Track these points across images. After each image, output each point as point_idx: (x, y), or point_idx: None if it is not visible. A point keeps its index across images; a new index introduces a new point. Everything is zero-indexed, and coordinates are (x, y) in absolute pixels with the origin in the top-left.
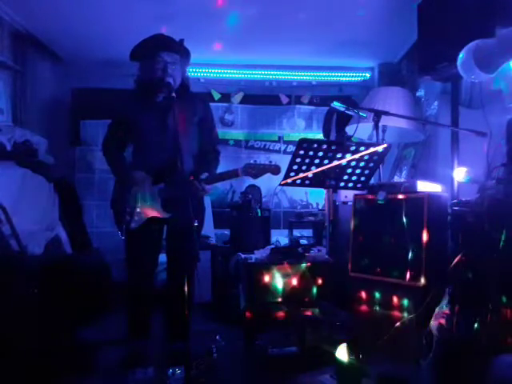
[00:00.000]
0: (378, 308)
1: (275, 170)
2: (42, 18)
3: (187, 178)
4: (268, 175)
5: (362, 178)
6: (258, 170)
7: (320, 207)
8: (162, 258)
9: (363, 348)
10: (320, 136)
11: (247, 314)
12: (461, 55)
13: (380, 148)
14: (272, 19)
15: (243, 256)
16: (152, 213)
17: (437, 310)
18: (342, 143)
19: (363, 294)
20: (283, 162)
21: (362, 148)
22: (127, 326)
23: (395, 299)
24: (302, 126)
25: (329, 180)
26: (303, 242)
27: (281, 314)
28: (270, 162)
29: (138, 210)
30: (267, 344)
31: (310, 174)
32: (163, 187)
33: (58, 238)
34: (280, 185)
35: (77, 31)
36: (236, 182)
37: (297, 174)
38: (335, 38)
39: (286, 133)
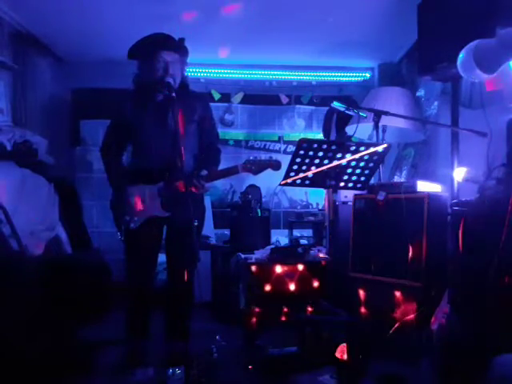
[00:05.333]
0: (377, 308)
1: (276, 165)
2: (42, 17)
3: (186, 177)
4: (268, 175)
5: (362, 178)
6: (258, 166)
7: (320, 207)
8: (163, 258)
9: (363, 348)
10: (320, 136)
11: (247, 314)
12: (461, 55)
13: (380, 148)
14: (272, 19)
15: (243, 256)
16: (152, 212)
17: (437, 310)
18: (342, 143)
19: (363, 294)
20: (283, 162)
21: (362, 148)
22: (126, 325)
23: (395, 299)
24: (302, 126)
25: (329, 180)
26: (303, 242)
27: (281, 314)
28: (271, 157)
29: (138, 209)
30: (267, 344)
31: (310, 174)
32: (163, 186)
33: (58, 237)
34: (280, 185)
35: (77, 31)
36: (236, 182)
37: (297, 174)
38: (335, 38)
39: (286, 133)
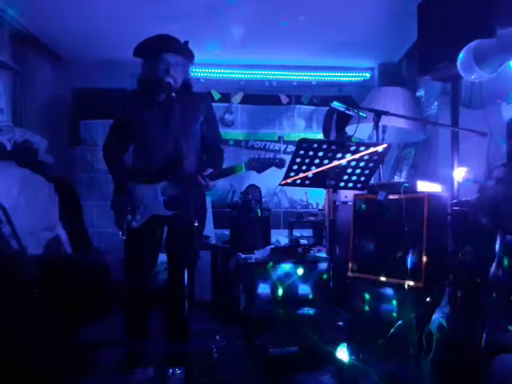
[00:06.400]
0: (377, 308)
1: (279, 163)
2: (41, 17)
3: (190, 176)
4: (268, 175)
5: (362, 178)
6: (262, 164)
7: (320, 207)
8: (163, 257)
9: (363, 348)
10: (320, 136)
11: (247, 314)
12: (461, 55)
13: (380, 148)
14: (272, 19)
15: (243, 256)
16: (154, 211)
17: (437, 310)
18: (342, 143)
19: (363, 294)
20: None
21: (362, 148)
22: (124, 325)
23: (395, 299)
24: (302, 126)
25: (329, 180)
26: (303, 242)
27: (280, 314)
28: (275, 155)
29: (141, 208)
30: (267, 344)
31: (310, 174)
32: (166, 185)
33: (58, 237)
34: (280, 185)
35: (77, 31)
36: (236, 182)
37: (297, 174)
38: (335, 38)
39: (286, 133)
